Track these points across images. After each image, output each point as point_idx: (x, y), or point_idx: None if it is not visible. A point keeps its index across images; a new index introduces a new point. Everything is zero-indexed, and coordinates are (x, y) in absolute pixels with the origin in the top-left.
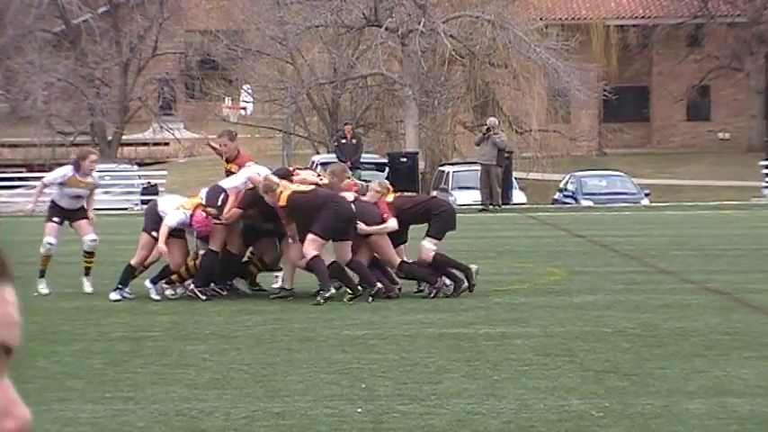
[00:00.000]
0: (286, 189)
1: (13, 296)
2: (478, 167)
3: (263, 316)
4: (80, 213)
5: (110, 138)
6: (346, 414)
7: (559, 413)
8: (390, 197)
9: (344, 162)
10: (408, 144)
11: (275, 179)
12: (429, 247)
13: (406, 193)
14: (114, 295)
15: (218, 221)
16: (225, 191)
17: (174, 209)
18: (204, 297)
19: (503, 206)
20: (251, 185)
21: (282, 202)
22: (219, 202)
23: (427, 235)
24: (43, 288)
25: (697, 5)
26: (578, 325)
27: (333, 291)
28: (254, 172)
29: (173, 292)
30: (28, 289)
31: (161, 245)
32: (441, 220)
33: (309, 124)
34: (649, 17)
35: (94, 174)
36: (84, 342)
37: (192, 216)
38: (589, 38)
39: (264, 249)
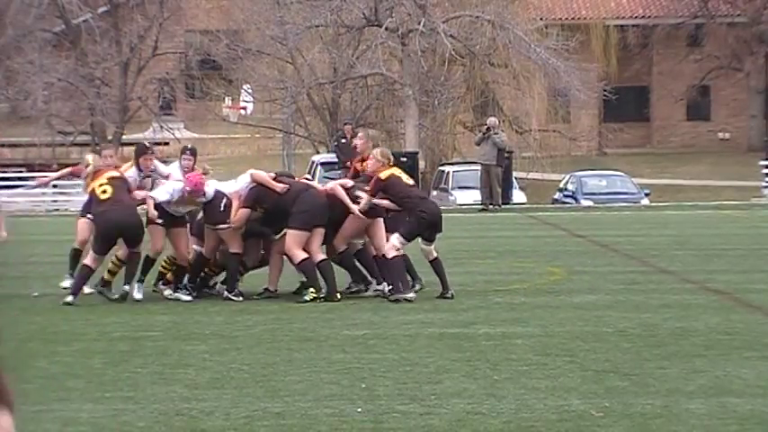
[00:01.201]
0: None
1: (10, 423)
2: (478, 167)
3: (263, 316)
4: None
5: (110, 137)
6: (346, 414)
7: (559, 413)
8: (385, 173)
9: (345, 162)
10: (408, 144)
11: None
12: (394, 243)
13: (404, 177)
14: (169, 292)
15: (225, 226)
16: (226, 196)
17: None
18: (240, 299)
19: (503, 206)
20: (253, 184)
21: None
22: (222, 208)
23: (398, 231)
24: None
25: (697, 5)
26: (578, 325)
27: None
28: (256, 171)
29: (170, 292)
30: (27, 289)
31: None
32: (416, 223)
33: (309, 124)
34: (649, 17)
35: None
36: (84, 342)
37: (187, 179)
38: (589, 38)
39: (246, 251)
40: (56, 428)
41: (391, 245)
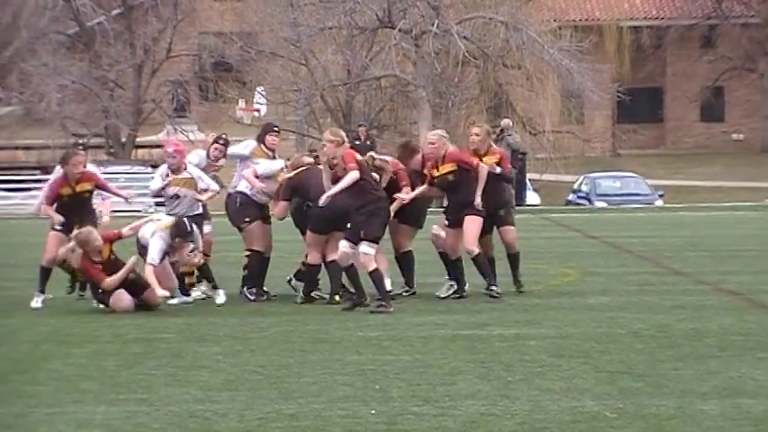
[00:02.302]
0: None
1: None
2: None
3: (276, 317)
4: None
5: (124, 140)
6: (360, 415)
7: (573, 414)
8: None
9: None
10: (422, 145)
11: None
12: (366, 251)
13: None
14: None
15: (246, 222)
16: (242, 193)
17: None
18: (252, 298)
19: (516, 207)
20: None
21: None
22: (238, 204)
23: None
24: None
25: (710, 6)
26: (592, 326)
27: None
28: (247, 172)
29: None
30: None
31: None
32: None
33: (323, 126)
34: (663, 18)
35: None
36: (97, 344)
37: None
38: (602, 39)
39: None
40: (70, 430)
41: (363, 256)
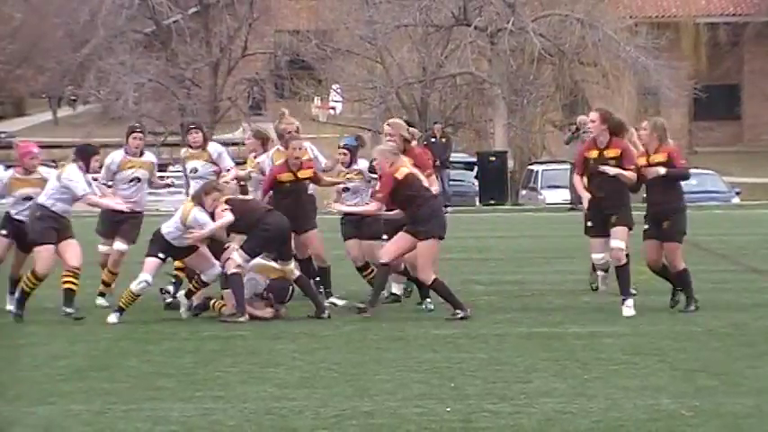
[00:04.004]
0: None
1: None
2: (568, 166)
3: (352, 315)
4: None
5: None
6: (435, 413)
7: (649, 412)
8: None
9: (433, 162)
10: (497, 143)
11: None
12: (235, 259)
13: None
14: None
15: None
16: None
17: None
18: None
19: None
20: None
21: None
22: None
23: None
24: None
25: None
26: (668, 324)
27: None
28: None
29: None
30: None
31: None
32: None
33: None
34: (740, 15)
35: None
36: (174, 341)
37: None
38: (679, 36)
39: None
40: (146, 427)
41: (230, 261)
